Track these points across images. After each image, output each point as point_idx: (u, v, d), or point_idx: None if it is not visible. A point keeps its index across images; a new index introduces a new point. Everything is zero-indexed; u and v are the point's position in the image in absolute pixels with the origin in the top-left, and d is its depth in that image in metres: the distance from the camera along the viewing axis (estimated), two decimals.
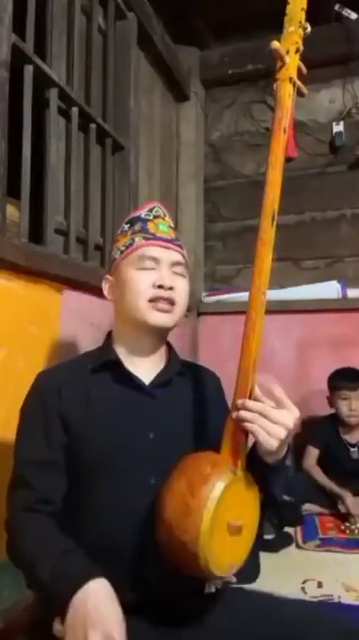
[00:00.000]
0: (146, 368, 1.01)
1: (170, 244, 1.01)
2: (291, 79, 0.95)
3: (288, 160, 0.96)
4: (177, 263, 1.01)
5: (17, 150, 1.54)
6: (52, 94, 1.73)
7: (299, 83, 0.97)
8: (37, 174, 1.68)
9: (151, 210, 1.05)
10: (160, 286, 0.97)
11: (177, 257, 1.01)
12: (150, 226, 1.01)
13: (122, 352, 1.02)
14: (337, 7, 2.59)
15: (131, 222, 1.04)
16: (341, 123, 2.82)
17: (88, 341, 1.64)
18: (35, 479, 0.91)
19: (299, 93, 0.98)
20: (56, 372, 1.02)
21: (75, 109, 1.85)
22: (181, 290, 1.00)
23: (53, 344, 1.57)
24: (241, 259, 2.93)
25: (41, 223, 1.72)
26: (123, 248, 1.01)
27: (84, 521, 0.91)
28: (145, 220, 1.02)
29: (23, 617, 1.12)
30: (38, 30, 1.66)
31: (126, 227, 1.04)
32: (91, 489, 0.92)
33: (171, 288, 0.98)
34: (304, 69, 0.98)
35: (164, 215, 1.06)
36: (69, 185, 1.84)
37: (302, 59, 0.97)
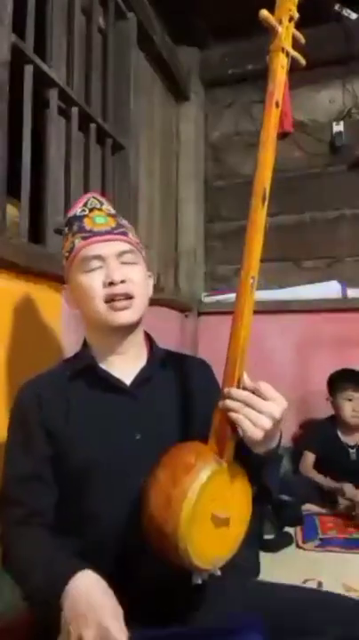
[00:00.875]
0: (125, 368, 0.99)
1: (110, 236, 0.96)
2: (283, 49, 0.89)
3: (283, 135, 0.91)
4: (123, 252, 0.96)
5: (17, 150, 1.54)
6: (52, 94, 1.73)
7: (294, 53, 0.91)
8: (37, 174, 1.68)
9: (86, 204, 1.01)
10: (111, 283, 0.93)
11: (121, 246, 0.97)
12: (86, 222, 0.97)
13: (98, 355, 1.00)
14: (337, 7, 2.59)
15: (70, 223, 1.01)
16: (341, 123, 2.82)
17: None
18: (22, 495, 0.91)
19: (298, 65, 0.92)
20: (35, 383, 1.00)
21: (75, 109, 1.84)
22: (136, 279, 0.96)
23: (53, 344, 1.57)
24: (241, 259, 2.92)
25: (41, 223, 1.72)
26: (67, 254, 0.99)
27: (78, 527, 0.90)
28: (81, 218, 0.99)
29: (23, 617, 1.11)
30: (38, 30, 1.66)
31: (66, 229, 1.01)
32: (82, 495, 0.91)
33: (123, 281, 0.94)
34: (301, 39, 0.92)
35: (101, 205, 1.02)
36: (69, 185, 1.84)
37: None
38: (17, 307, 1.45)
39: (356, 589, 1.64)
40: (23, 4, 1.58)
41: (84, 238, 0.96)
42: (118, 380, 0.97)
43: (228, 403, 0.80)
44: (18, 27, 1.51)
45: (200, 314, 2.92)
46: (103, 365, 0.99)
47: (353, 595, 1.61)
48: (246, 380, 0.82)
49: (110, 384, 0.97)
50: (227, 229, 3.03)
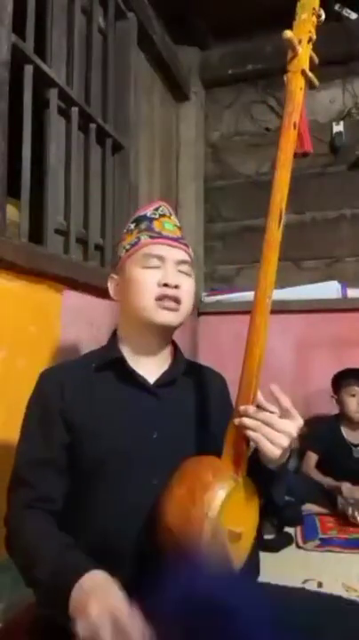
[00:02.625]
0: (151, 367, 1.01)
1: (175, 243, 1.00)
2: (302, 71, 0.91)
3: (304, 155, 0.92)
4: (182, 262, 1.01)
5: (17, 150, 1.54)
6: (52, 94, 1.73)
7: (310, 75, 0.92)
8: (37, 174, 1.68)
9: (157, 209, 1.04)
10: (165, 284, 0.96)
11: (182, 255, 1.01)
12: (156, 224, 1.01)
13: (127, 351, 1.01)
14: (337, 7, 2.59)
15: (137, 221, 1.03)
16: (341, 123, 2.82)
17: (88, 341, 1.64)
18: (34, 478, 0.91)
19: (311, 86, 0.93)
20: (59, 371, 1.02)
21: (75, 109, 1.85)
22: (187, 288, 1.00)
23: (53, 344, 1.57)
24: (241, 259, 2.93)
25: (41, 223, 1.72)
26: (129, 246, 1.01)
27: (85, 520, 0.91)
28: (151, 219, 1.02)
29: (23, 617, 1.11)
30: (38, 30, 1.66)
31: (132, 225, 1.04)
32: (93, 488, 0.91)
33: (176, 286, 0.97)
34: (316, 59, 0.93)
35: (170, 214, 1.05)
36: (69, 185, 1.84)
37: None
38: (17, 307, 1.45)
39: (356, 589, 1.64)
40: (23, 3, 1.58)
41: (152, 237, 0.99)
42: (143, 378, 0.99)
43: (246, 421, 0.81)
44: (18, 27, 1.51)
45: (200, 314, 2.92)
46: (130, 362, 1.00)
47: (353, 595, 1.61)
48: (260, 397, 0.84)
49: (136, 380, 0.98)
50: (227, 229, 3.03)
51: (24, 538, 0.86)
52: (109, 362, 1.00)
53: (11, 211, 1.62)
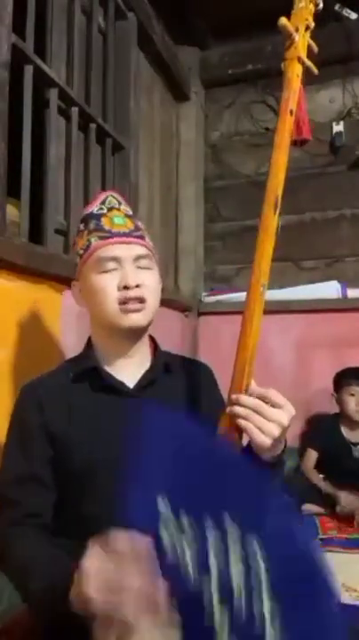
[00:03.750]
0: (129, 371, 0.98)
1: (128, 239, 0.95)
2: (299, 58, 0.90)
3: (302, 143, 0.92)
4: (139, 257, 0.95)
5: (17, 150, 1.54)
6: (52, 94, 1.73)
7: (308, 62, 0.91)
8: (37, 174, 1.68)
9: (104, 202, 0.98)
10: (125, 287, 0.92)
11: (139, 250, 0.95)
12: (104, 222, 0.95)
13: (102, 357, 0.99)
14: (337, 7, 2.59)
15: (85, 220, 0.98)
16: (341, 123, 2.82)
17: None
18: (19, 495, 0.90)
19: (309, 73, 0.93)
20: (37, 384, 0.99)
21: (75, 109, 1.84)
22: (149, 284, 0.95)
23: (53, 344, 1.57)
24: (241, 259, 2.93)
25: (41, 223, 1.72)
26: (82, 252, 0.97)
27: (76, 529, 0.90)
28: (98, 216, 0.96)
29: (23, 617, 1.11)
30: (38, 30, 1.66)
31: (81, 226, 0.98)
32: (81, 497, 0.90)
33: (137, 286, 0.92)
34: (315, 48, 0.93)
35: (119, 205, 0.99)
36: (69, 185, 1.84)
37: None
38: (17, 307, 1.44)
39: (356, 589, 1.64)
40: (23, 3, 1.58)
41: (102, 238, 0.94)
42: (121, 384, 0.97)
43: (237, 409, 0.79)
44: (18, 27, 1.51)
45: (200, 314, 2.92)
46: (107, 368, 0.98)
47: (353, 595, 1.61)
48: (254, 386, 0.82)
49: (113, 387, 0.96)
50: (227, 229, 3.03)
51: (14, 556, 0.86)
52: (85, 371, 0.97)
53: (11, 211, 1.62)
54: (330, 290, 2.72)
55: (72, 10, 1.88)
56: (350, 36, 2.68)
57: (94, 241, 0.94)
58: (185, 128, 2.98)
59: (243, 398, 0.79)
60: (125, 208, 1.00)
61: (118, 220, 0.96)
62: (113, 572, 0.64)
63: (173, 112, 2.94)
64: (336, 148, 2.83)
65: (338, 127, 2.82)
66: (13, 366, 1.40)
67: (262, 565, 0.59)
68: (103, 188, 2.11)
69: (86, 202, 1.97)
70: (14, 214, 1.69)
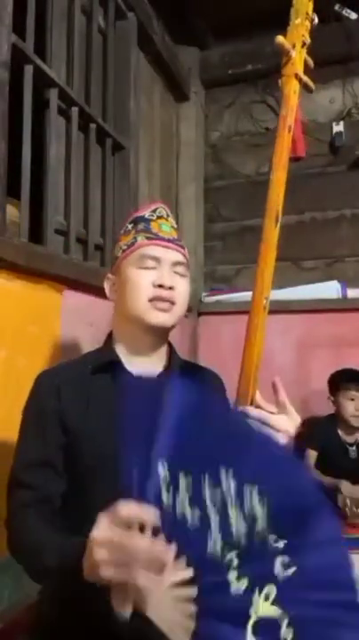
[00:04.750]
0: (146, 368, 1.01)
1: (171, 244, 1.01)
2: (296, 75, 0.92)
3: (296, 159, 0.94)
4: (178, 263, 1.01)
5: (17, 150, 1.54)
6: (52, 94, 1.73)
7: (305, 78, 0.94)
8: (37, 174, 1.68)
9: (154, 210, 1.05)
10: (160, 285, 0.97)
11: (178, 257, 1.02)
12: (153, 226, 1.02)
13: (122, 352, 1.02)
14: (337, 7, 2.59)
15: (135, 222, 1.04)
16: (341, 123, 2.82)
17: (88, 341, 1.64)
18: (32, 479, 0.91)
19: (306, 89, 0.95)
20: (56, 372, 1.02)
21: (75, 109, 1.85)
22: (181, 290, 1.01)
23: (53, 344, 1.57)
24: (241, 259, 2.93)
25: (41, 223, 1.72)
26: (125, 247, 1.02)
27: (84, 521, 0.90)
28: (148, 220, 1.03)
29: (23, 617, 1.12)
30: (38, 30, 1.66)
31: (129, 226, 1.05)
32: (91, 489, 0.91)
33: (171, 288, 0.98)
34: (311, 63, 0.95)
35: (168, 216, 1.06)
36: (69, 185, 1.84)
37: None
38: (17, 307, 1.45)
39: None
40: (23, 3, 1.58)
41: (148, 238, 1.00)
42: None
43: None
44: (18, 27, 1.51)
45: (200, 314, 2.92)
46: (126, 363, 1.01)
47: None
48: (259, 397, 0.84)
49: None
50: (227, 229, 3.03)
51: (27, 535, 0.86)
52: (105, 363, 1.00)
53: (11, 211, 1.62)
54: (330, 290, 2.72)
55: (72, 10, 1.88)
56: (350, 36, 2.68)
57: (140, 239, 1.00)
58: (185, 128, 2.98)
59: (251, 410, 0.82)
60: (172, 220, 1.07)
61: (165, 227, 1.03)
62: (121, 537, 0.66)
63: (173, 112, 2.94)
64: (336, 148, 2.83)
65: (338, 127, 2.82)
66: (13, 366, 1.40)
67: (260, 509, 0.62)
68: (103, 188, 2.11)
69: (86, 202, 1.98)
70: (14, 214, 1.69)
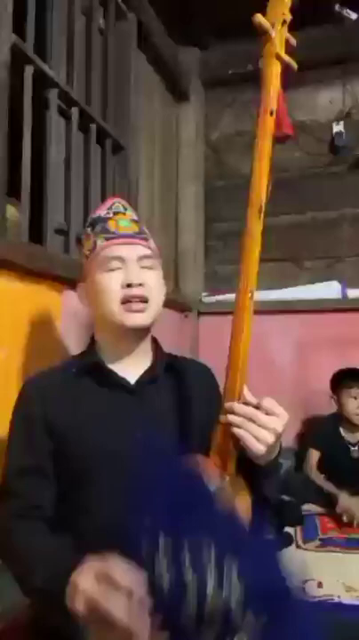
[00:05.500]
0: (130, 368, 1.00)
1: (133, 239, 0.99)
2: (277, 55, 0.87)
3: (283, 140, 0.89)
4: (144, 257, 0.98)
5: (17, 150, 1.54)
6: (52, 94, 1.73)
7: (287, 58, 0.88)
8: (37, 174, 1.68)
9: (110, 207, 1.03)
10: (129, 285, 0.95)
11: (143, 251, 0.99)
12: (110, 224, 0.99)
13: (105, 354, 1.01)
14: (337, 7, 2.59)
15: (92, 224, 1.02)
16: (341, 123, 2.82)
17: (88, 341, 1.63)
18: (21, 487, 0.91)
19: (290, 69, 0.89)
20: (41, 378, 1.01)
21: (75, 109, 1.84)
22: (152, 283, 0.98)
23: (53, 344, 1.57)
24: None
25: (41, 223, 1.72)
26: (88, 252, 1.00)
27: (78, 524, 0.90)
28: (105, 220, 1.00)
29: (23, 617, 1.11)
30: (38, 30, 1.66)
31: (88, 229, 1.02)
32: (83, 492, 0.91)
33: (140, 284, 0.96)
34: (293, 41, 0.88)
35: (125, 210, 1.03)
36: (69, 185, 1.84)
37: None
38: (17, 307, 1.45)
39: (356, 589, 1.64)
40: (23, 4, 1.58)
41: (107, 239, 0.98)
42: (124, 379, 0.99)
43: (231, 418, 0.81)
44: (18, 27, 1.51)
45: (200, 314, 2.92)
46: (109, 365, 1.00)
47: (353, 595, 1.61)
48: (247, 393, 0.83)
49: (116, 382, 0.98)
50: (227, 229, 3.02)
51: (15, 548, 0.86)
52: (88, 366, 0.99)
53: (11, 211, 1.62)
54: (330, 290, 2.72)
55: (72, 10, 1.88)
56: (350, 36, 2.68)
57: (100, 242, 0.98)
58: (185, 128, 2.98)
59: (238, 407, 0.81)
60: (131, 213, 1.04)
61: (124, 223, 1.00)
62: (101, 598, 0.67)
63: (173, 112, 2.93)
64: (336, 148, 2.83)
65: (338, 127, 2.82)
66: (13, 366, 1.40)
67: (237, 583, 0.62)
68: (103, 188, 2.11)
69: (86, 202, 1.97)
70: (14, 214, 1.69)
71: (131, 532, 0.70)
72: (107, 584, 0.67)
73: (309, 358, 2.73)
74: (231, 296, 2.83)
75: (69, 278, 1.64)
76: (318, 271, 2.84)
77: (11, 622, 1.13)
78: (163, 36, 2.56)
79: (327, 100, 2.89)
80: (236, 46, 2.95)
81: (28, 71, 1.60)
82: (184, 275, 2.92)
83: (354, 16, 2.60)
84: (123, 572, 0.67)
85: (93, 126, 1.97)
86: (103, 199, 2.10)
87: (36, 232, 1.68)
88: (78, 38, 1.89)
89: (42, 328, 1.53)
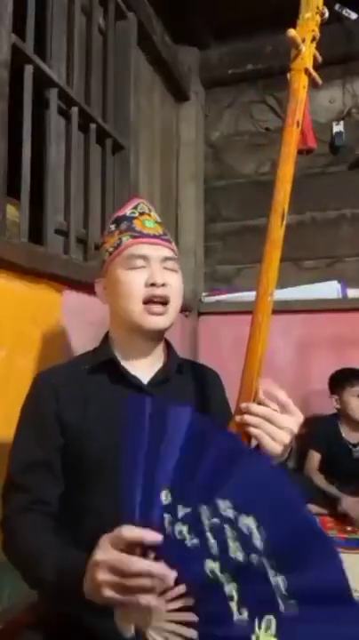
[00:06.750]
0: (143, 367, 1.01)
1: (158, 240, 1.00)
2: (306, 70, 0.91)
3: (308, 152, 0.92)
4: (167, 258, 1.00)
5: (17, 150, 1.54)
6: (52, 94, 1.73)
7: (314, 73, 0.92)
8: (37, 174, 1.68)
9: (136, 207, 1.03)
10: (152, 284, 0.96)
11: (166, 252, 1.00)
12: (136, 224, 1.00)
13: (119, 352, 1.02)
14: (337, 7, 2.59)
15: (117, 222, 1.02)
16: (341, 123, 2.82)
17: (88, 341, 1.63)
18: (29, 482, 0.91)
19: (314, 84, 0.94)
20: (53, 373, 1.01)
21: (75, 109, 1.84)
22: (174, 285, 0.99)
23: (53, 344, 1.57)
24: (241, 259, 2.93)
25: (41, 223, 1.72)
26: (112, 249, 1.00)
27: (84, 521, 0.90)
28: (131, 219, 1.01)
29: (23, 617, 1.12)
30: (38, 30, 1.66)
31: (112, 227, 1.03)
32: (90, 489, 0.91)
33: (163, 285, 0.96)
34: (319, 58, 0.93)
35: (150, 211, 1.04)
36: (69, 185, 1.84)
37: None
38: (17, 307, 1.45)
39: (356, 589, 1.63)
40: (23, 3, 1.58)
41: (133, 237, 0.98)
42: (136, 378, 0.99)
43: (247, 418, 0.81)
44: (18, 27, 1.51)
45: (200, 314, 2.92)
46: (123, 362, 1.00)
47: (353, 595, 1.60)
48: (261, 393, 0.83)
49: (128, 381, 0.98)
50: (227, 229, 3.03)
51: (23, 541, 0.86)
52: (102, 363, 1.00)
53: (11, 211, 1.62)
54: (330, 290, 2.72)
55: (72, 10, 1.88)
56: (350, 36, 2.68)
57: (126, 239, 0.98)
58: (185, 128, 2.98)
59: (254, 407, 0.81)
60: (155, 215, 1.05)
61: (149, 223, 1.01)
62: (123, 560, 0.67)
63: (173, 112, 2.94)
64: (336, 148, 2.83)
65: (338, 127, 2.82)
66: (13, 366, 1.40)
67: (258, 537, 0.62)
68: (103, 188, 2.11)
69: (86, 202, 1.97)
70: (14, 214, 1.69)
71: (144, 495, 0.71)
72: (126, 548, 0.68)
73: (309, 358, 2.73)
74: (231, 296, 2.83)
75: (69, 278, 1.65)
76: (318, 271, 2.84)
77: (11, 622, 1.14)
78: (162, 36, 2.56)
79: (327, 100, 2.90)
80: (236, 46, 2.95)
81: (28, 71, 1.60)
82: (184, 275, 2.89)
83: (354, 16, 2.60)
84: (138, 532, 0.68)
85: (93, 126, 1.97)
86: (103, 199, 2.11)
87: (36, 232, 1.68)
88: (78, 38, 1.89)
89: (42, 328, 1.53)
